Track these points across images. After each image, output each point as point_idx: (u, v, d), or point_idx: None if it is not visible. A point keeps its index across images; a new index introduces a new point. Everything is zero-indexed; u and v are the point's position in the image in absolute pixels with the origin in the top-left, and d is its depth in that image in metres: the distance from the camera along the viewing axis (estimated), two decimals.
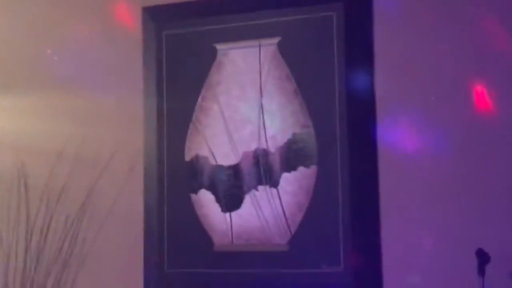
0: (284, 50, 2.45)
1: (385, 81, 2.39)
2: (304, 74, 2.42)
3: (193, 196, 2.52)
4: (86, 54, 2.81)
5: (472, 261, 2.06)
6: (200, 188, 2.50)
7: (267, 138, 2.44)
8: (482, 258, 2.09)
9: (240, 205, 2.46)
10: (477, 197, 2.27)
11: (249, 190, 2.45)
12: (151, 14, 2.67)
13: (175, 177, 2.59)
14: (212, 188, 2.50)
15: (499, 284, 2.15)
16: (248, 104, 2.49)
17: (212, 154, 2.53)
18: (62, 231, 2.69)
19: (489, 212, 2.24)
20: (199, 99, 2.56)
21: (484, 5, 2.31)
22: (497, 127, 2.31)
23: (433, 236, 2.33)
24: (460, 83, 2.31)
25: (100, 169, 2.67)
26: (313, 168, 2.35)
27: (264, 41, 2.48)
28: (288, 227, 2.39)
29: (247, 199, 2.45)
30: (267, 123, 2.46)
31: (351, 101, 2.37)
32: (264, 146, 2.44)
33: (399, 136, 2.42)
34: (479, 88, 2.32)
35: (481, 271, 2.06)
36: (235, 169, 2.48)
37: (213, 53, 2.55)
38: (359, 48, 2.37)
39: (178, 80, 2.64)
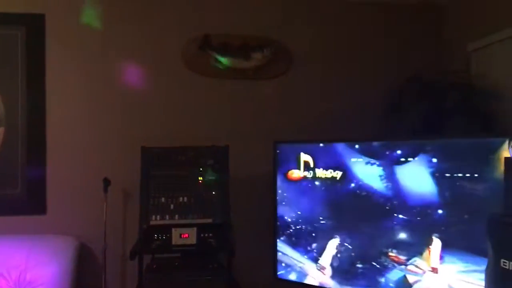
0: None
1: (50, 72, 3.09)
2: None
3: None
4: None
5: (101, 184, 2.94)
6: None
7: None
8: (106, 182, 2.95)
9: None
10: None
11: None
12: None
13: None
14: None
15: (115, 197, 3.05)
16: None
17: None
18: None
19: (111, 157, 3.09)
20: None
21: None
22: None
23: (75, 169, 3.08)
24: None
25: None
26: (2, 129, 3.02)
27: None
28: None
29: None
30: None
31: (30, 85, 3.03)
32: None
33: (61, 106, 3.11)
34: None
35: (106, 190, 2.94)
36: None
37: None
38: (35, 53, 3.06)
39: None
